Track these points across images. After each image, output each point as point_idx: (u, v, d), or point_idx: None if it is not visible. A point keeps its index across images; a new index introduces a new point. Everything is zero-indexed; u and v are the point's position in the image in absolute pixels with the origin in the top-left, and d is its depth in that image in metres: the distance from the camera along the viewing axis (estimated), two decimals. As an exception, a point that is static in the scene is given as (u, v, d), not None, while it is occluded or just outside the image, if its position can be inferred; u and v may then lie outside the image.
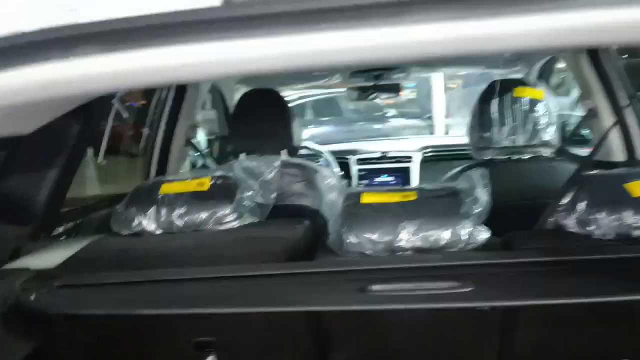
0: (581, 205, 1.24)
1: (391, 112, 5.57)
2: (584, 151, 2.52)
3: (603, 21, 0.70)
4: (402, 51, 0.85)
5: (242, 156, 2.09)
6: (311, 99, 5.34)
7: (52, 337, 1.18)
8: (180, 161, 2.40)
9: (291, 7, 0.78)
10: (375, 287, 1.02)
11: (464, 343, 1.09)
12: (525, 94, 2.15)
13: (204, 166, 2.73)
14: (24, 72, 0.85)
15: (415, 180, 3.12)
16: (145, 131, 2.25)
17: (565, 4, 0.69)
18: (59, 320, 1.15)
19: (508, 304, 0.99)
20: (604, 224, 1.21)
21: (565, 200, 1.28)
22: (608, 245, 1.19)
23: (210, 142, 3.21)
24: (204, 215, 1.39)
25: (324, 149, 3.07)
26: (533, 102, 2.13)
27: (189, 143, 2.45)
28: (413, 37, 0.80)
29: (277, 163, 1.64)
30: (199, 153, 2.69)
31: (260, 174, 1.57)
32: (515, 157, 2.15)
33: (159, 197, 1.42)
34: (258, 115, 2.17)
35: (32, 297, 1.12)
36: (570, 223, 1.26)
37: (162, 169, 2.31)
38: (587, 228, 1.23)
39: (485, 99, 2.17)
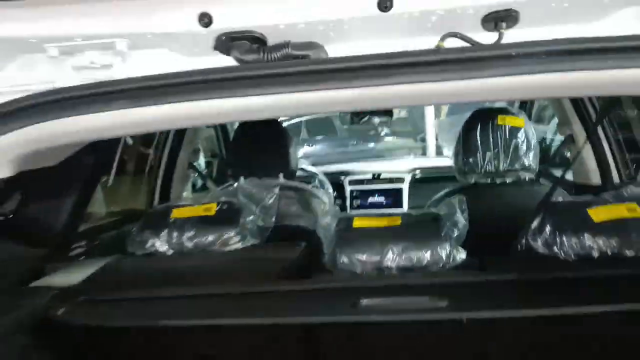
0: (547, 230, 1.42)
1: (385, 130, 5.76)
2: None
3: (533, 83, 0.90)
4: (385, 103, 1.04)
5: (242, 179, 2.26)
6: (306, 117, 5.52)
7: (75, 347, 1.34)
8: (183, 183, 2.57)
9: (296, 69, 0.96)
10: (365, 302, 1.19)
11: (442, 352, 1.26)
12: (507, 122, 2.33)
13: (204, 187, 2.90)
14: (67, 121, 1.02)
15: (406, 201, 3.30)
16: (150, 154, 2.42)
17: (503, 71, 0.88)
18: (82, 332, 1.31)
19: (477, 316, 1.17)
20: (568, 246, 1.39)
21: (534, 225, 1.46)
22: (571, 265, 1.37)
23: (208, 164, 3.39)
24: (211, 237, 1.55)
25: (319, 170, 3.24)
26: (514, 130, 2.32)
27: (191, 166, 2.62)
28: (393, 93, 0.98)
29: (276, 189, 1.82)
30: (199, 175, 2.86)
31: (261, 199, 1.75)
32: (498, 180, 2.33)
33: (171, 221, 1.59)
34: (257, 139, 2.34)
35: (60, 312, 1.28)
36: (539, 245, 1.44)
37: (165, 190, 2.48)
38: (553, 250, 1.41)
39: (469, 126, 2.35)
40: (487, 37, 1.05)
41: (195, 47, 1.08)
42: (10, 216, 1.45)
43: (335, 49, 1.08)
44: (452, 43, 1.03)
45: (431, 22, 1.04)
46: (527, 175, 2.31)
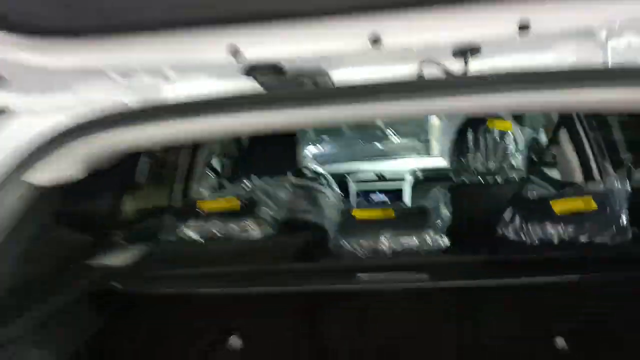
0: (516, 220, 1.75)
1: (390, 130, 6.07)
2: (552, 173, 3.03)
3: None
4: (376, 117, 1.38)
5: (255, 178, 2.59)
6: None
7: (127, 311, 1.70)
8: (201, 180, 2.92)
9: (304, 94, 1.30)
10: (361, 275, 1.53)
11: (423, 314, 1.59)
12: (496, 125, 2.65)
13: (220, 185, 3.23)
14: (129, 131, 1.36)
15: (407, 199, 3.62)
16: (173, 155, 2.77)
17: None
18: (134, 299, 1.66)
19: (449, 285, 1.50)
20: (532, 233, 1.72)
21: (505, 216, 1.79)
22: (534, 248, 1.70)
23: (222, 163, 3.73)
24: (234, 227, 1.89)
25: (326, 170, 3.57)
26: (502, 133, 2.63)
27: (208, 165, 2.96)
28: (381, 110, 1.32)
29: (288, 185, 2.15)
30: (215, 173, 3.21)
31: (275, 194, 2.09)
32: (488, 179, 2.64)
33: (199, 212, 1.93)
34: (268, 140, 2.67)
35: (116, 284, 1.63)
36: (510, 233, 1.77)
37: (187, 187, 2.83)
38: (521, 236, 1.74)
39: (462, 128, 2.67)
40: (457, 64, 1.37)
41: (227, 72, 1.41)
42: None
43: (338, 74, 1.41)
44: (431, 68, 1.36)
45: (413, 53, 1.37)
46: (514, 174, 2.63)
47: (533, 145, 3.22)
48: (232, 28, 1.31)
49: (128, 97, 1.43)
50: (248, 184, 2.36)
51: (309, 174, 3.39)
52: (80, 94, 1.46)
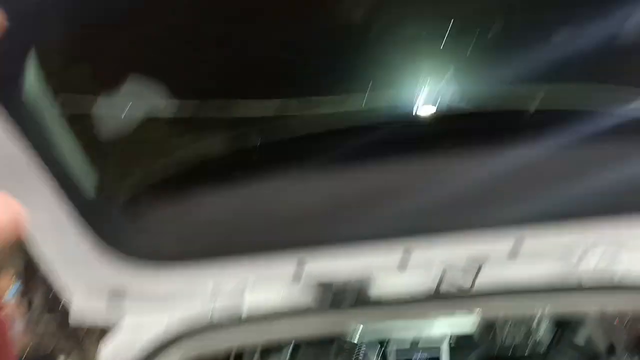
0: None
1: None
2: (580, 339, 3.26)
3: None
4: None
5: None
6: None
7: None
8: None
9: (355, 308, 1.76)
10: None
11: None
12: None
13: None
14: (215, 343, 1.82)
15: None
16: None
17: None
18: None
19: None
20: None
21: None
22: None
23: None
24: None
25: (364, 336, 3.88)
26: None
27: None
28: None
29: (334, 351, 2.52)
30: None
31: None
32: (517, 349, 2.93)
33: None
34: None
35: None
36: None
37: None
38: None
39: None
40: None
41: (292, 285, 1.88)
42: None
43: (379, 286, 1.87)
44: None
45: (434, 270, 1.83)
46: (540, 345, 2.92)
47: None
48: (299, 250, 1.80)
49: (215, 308, 1.89)
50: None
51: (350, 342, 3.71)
52: (177, 306, 1.92)
